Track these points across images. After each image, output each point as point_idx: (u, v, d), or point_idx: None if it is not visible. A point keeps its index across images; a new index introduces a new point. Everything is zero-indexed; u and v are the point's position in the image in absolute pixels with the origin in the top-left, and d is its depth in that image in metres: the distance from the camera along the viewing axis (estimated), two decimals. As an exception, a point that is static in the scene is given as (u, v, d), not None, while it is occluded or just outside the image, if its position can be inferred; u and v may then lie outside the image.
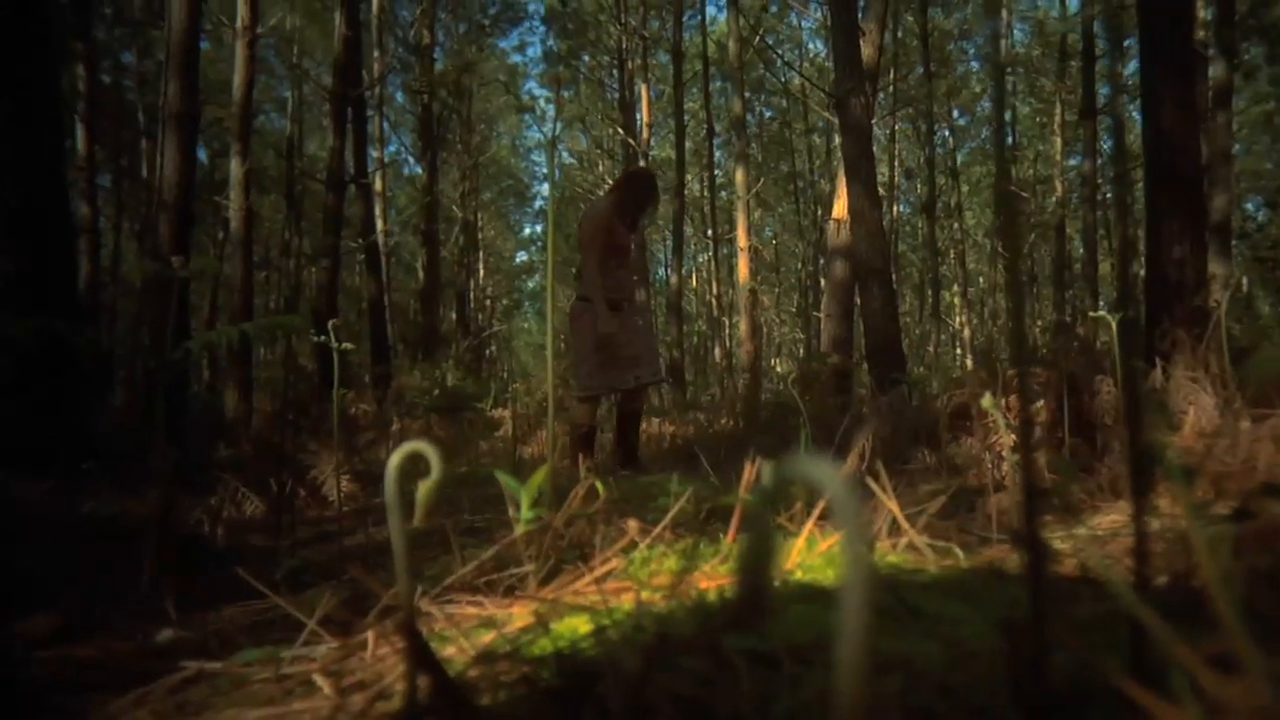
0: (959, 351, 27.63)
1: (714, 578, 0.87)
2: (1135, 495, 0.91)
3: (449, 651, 0.67)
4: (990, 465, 4.06)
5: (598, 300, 5.07)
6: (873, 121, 8.91)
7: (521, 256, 39.10)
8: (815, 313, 20.70)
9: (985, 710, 0.48)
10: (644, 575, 0.91)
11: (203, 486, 4.50)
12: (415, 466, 0.74)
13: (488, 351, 26.26)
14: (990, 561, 0.99)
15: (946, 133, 24.88)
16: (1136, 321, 4.98)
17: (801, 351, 26.09)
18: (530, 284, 39.45)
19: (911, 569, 0.89)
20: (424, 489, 0.59)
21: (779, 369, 27.51)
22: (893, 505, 1.07)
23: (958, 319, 28.14)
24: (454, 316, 22.48)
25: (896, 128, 21.56)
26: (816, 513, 0.98)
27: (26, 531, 2.44)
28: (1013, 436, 4.28)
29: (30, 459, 4.03)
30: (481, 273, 28.39)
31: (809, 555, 0.93)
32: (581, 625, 0.70)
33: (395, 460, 0.56)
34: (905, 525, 1.03)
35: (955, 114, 25.13)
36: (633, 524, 0.95)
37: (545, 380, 9.94)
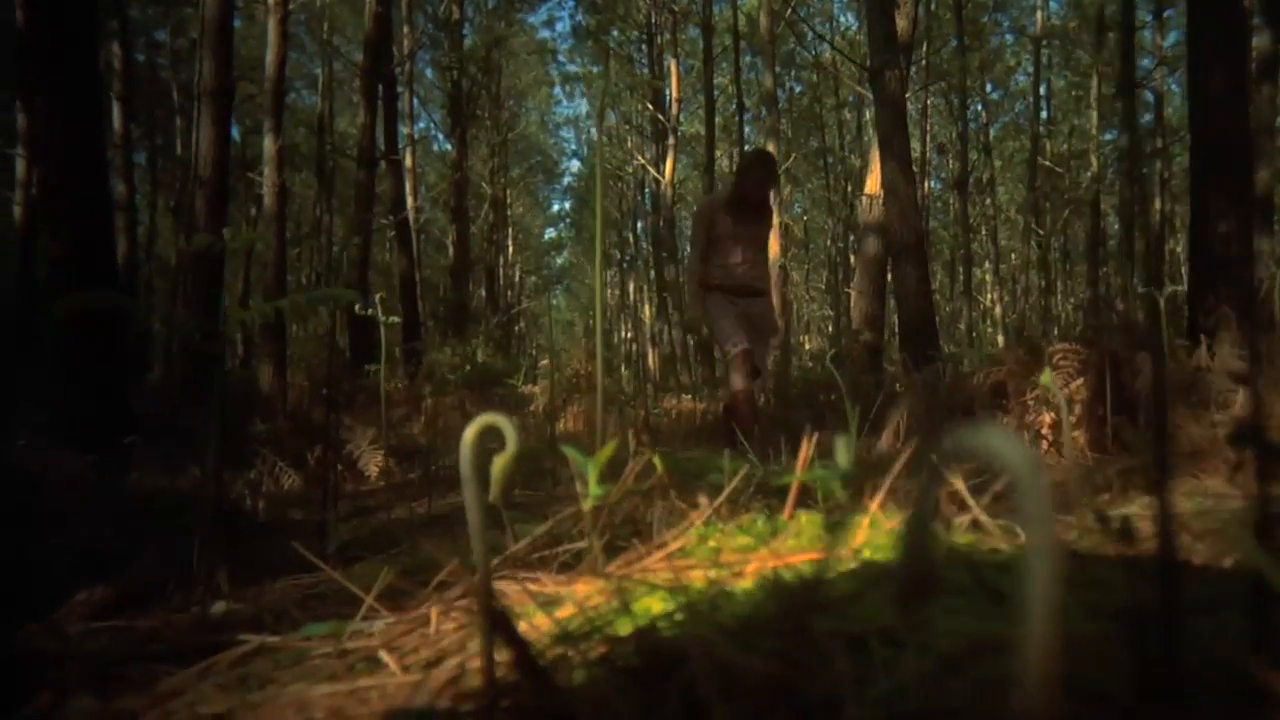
0: (990, 328, 27.32)
1: (780, 555, 0.85)
2: (1158, 483, 0.88)
3: (520, 628, 0.66)
4: (1029, 443, 4.00)
5: (693, 290, 5.08)
6: (906, 96, 8.78)
7: (550, 233, 39.12)
8: (845, 289, 20.55)
9: (1109, 699, 0.46)
10: (708, 553, 0.90)
11: (241, 461, 4.56)
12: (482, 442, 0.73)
13: (517, 328, 26.34)
14: (1064, 542, 0.97)
15: (979, 107, 24.50)
16: (1168, 298, 4.89)
17: (830, 328, 25.91)
18: (559, 260, 39.48)
19: (985, 550, 0.87)
20: (499, 464, 0.58)
21: (808, 346, 27.36)
22: (958, 483, 1.05)
23: (989, 296, 27.83)
24: (483, 293, 22.54)
25: (929, 102, 21.25)
26: (883, 491, 0.97)
27: (76, 506, 2.48)
28: (1051, 415, 4.22)
29: (75, 433, 4.09)
30: (510, 249, 28.44)
31: (875, 534, 0.91)
32: (655, 604, 0.69)
33: (471, 431, 0.55)
34: (971, 502, 1.01)
35: (989, 88, 24.73)
36: (702, 499, 0.94)
37: (576, 357, 9.89)
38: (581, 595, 0.74)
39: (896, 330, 10.53)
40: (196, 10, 9.88)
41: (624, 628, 0.61)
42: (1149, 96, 19.90)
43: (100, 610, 1.26)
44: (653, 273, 22.56)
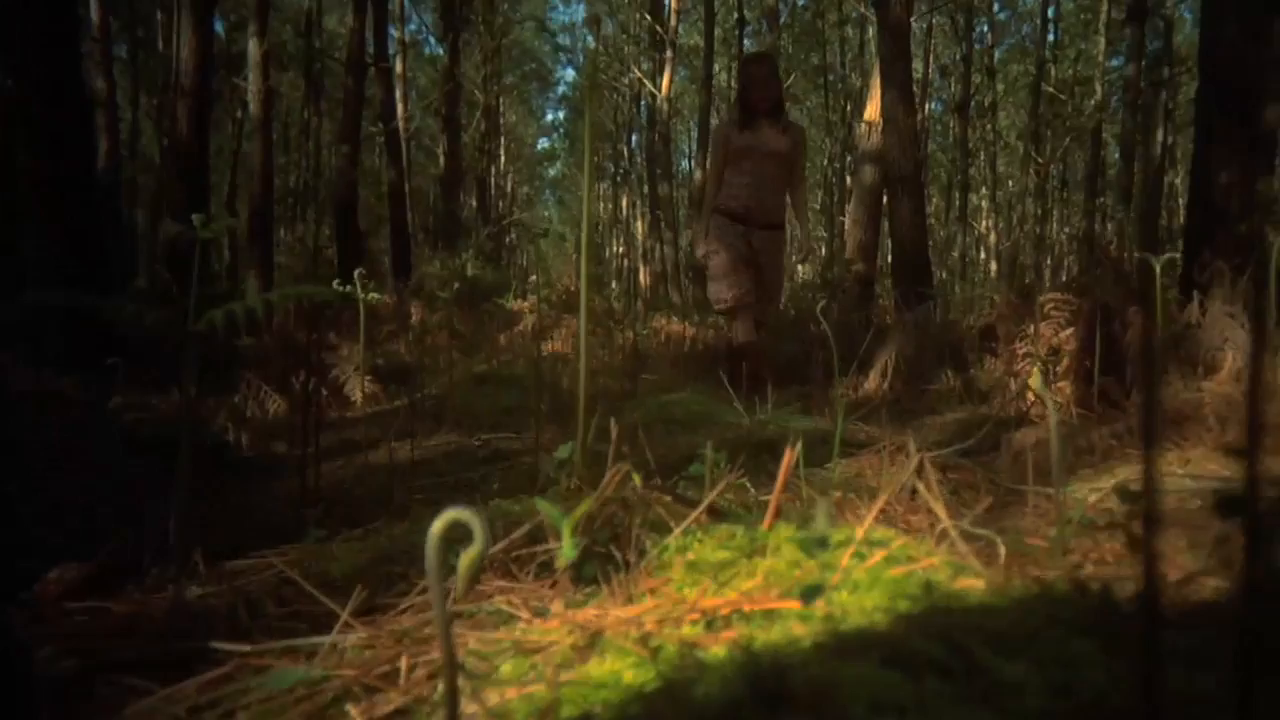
0: (983, 256, 27.23)
1: (756, 598, 0.85)
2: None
3: (479, 713, 0.65)
4: (1015, 395, 4.02)
5: (704, 214, 4.82)
6: (911, 19, 8.54)
7: (543, 143, 38.44)
8: (840, 217, 20.37)
9: None
10: (686, 580, 0.88)
11: (225, 384, 4.53)
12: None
13: (508, 239, 26.10)
14: (1039, 580, 0.96)
15: (985, 27, 23.91)
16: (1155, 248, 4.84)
17: (823, 252, 25.78)
18: (552, 171, 38.91)
19: (960, 592, 0.86)
20: (465, 561, 0.56)
21: (802, 271, 27.23)
22: (940, 509, 1.03)
23: (984, 223, 27.65)
24: (474, 204, 22.26)
25: (935, 21, 20.73)
26: (872, 515, 0.95)
27: (57, 436, 2.46)
28: (1039, 369, 4.22)
29: (55, 354, 4.06)
30: (503, 159, 27.97)
31: (856, 567, 0.90)
32: (626, 672, 0.68)
33: (436, 529, 0.52)
34: (950, 527, 1.00)
35: (995, 7, 24.10)
36: (677, 532, 0.92)
37: (566, 274, 9.82)
38: (554, 651, 0.73)
39: (890, 260, 10.48)
40: (178, -100, 9.43)
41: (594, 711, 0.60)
42: (1159, 23, 19.44)
43: (73, 589, 1.25)
44: (646, 188, 22.27)
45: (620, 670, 0.67)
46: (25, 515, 1.62)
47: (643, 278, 24.57)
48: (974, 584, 0.92)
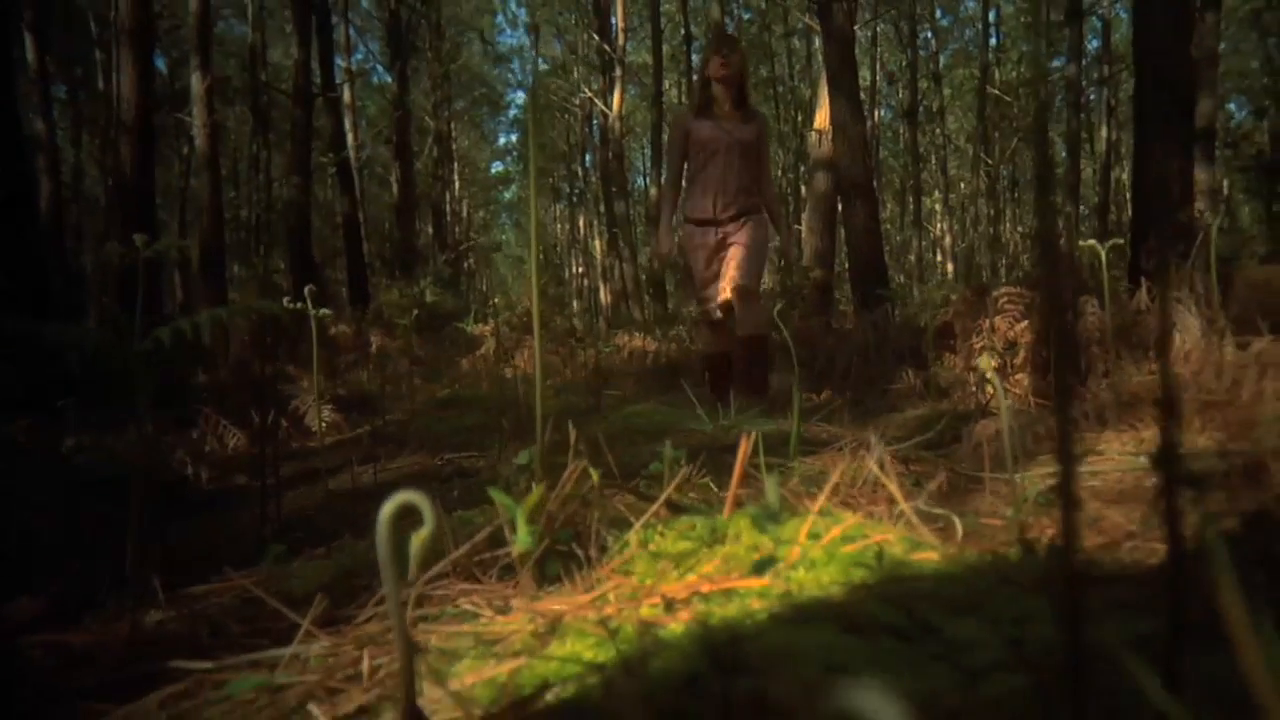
0: (939, 258, 27.62)
1: (715, 579, 0.85)
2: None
3: (440, 698, 0.65)
4: (974, 389, 4.08)
5: (662, 217, 4.42)
6: (855, 28, 8.68)
7: (497, 167, 38.41)
8: (796, 225, 20.56)
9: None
10: (647, 570, 0.89)
11: (183, 419, 4.46)
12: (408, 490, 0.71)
13: (466, 265, 26.01)
14: (992, 550, 0.98)
15: (929, 34, 24.36)
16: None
17: (781, 261, 25.99)
18: (507, 194, 38.85)
19: (915, 563, 0.88)
20: (417, 541, 0.56)
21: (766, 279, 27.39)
22: (894, 488, 1.05)
23: (939, 225, 28.06)
24: (430, 230, 22.16)
25: (879, 29, 21.07)
26: (826, 492, 0.96)
27: (8, 483, 2.41)
28: (997, 360, 4.29)
29: (6, 397, 3.97)
30: (457, 184, 27.89)
31: (812, 547, 0.91)
32: (586, 651, 0.68)
33: (387, 512, 0.53)
34: (906, 508, 1.01)
35: (938, 14, 24.57)
36: (638, 525, 0.93)
37: (526, 295, 9.80)
38: (514, 640, 0.73)
39: (846, 265, 10.59)
40: (114, -62, 9.34)
41: (550, 697, 0.60)
42: (1096, 23, 19.94)
43: (30, 623, 1.23)
44: (603, 207, 22.33)
45: (579, 650, 0.67)
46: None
47: (603, 296, 24.60)
48: (929, 556, 0.93)
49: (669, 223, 4.41)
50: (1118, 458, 2.17)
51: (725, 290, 4.17)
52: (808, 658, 0.63)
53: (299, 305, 1.76)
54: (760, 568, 0.77)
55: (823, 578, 0.84)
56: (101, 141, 17.81)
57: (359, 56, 21.44)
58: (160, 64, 18.06)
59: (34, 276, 4.64)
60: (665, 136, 19.78)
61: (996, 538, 1.13)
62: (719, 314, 4.28)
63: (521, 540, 0.86)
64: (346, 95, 15.51)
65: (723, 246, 4.29)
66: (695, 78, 4.64)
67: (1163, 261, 3.86)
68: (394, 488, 1.91)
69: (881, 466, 1.15)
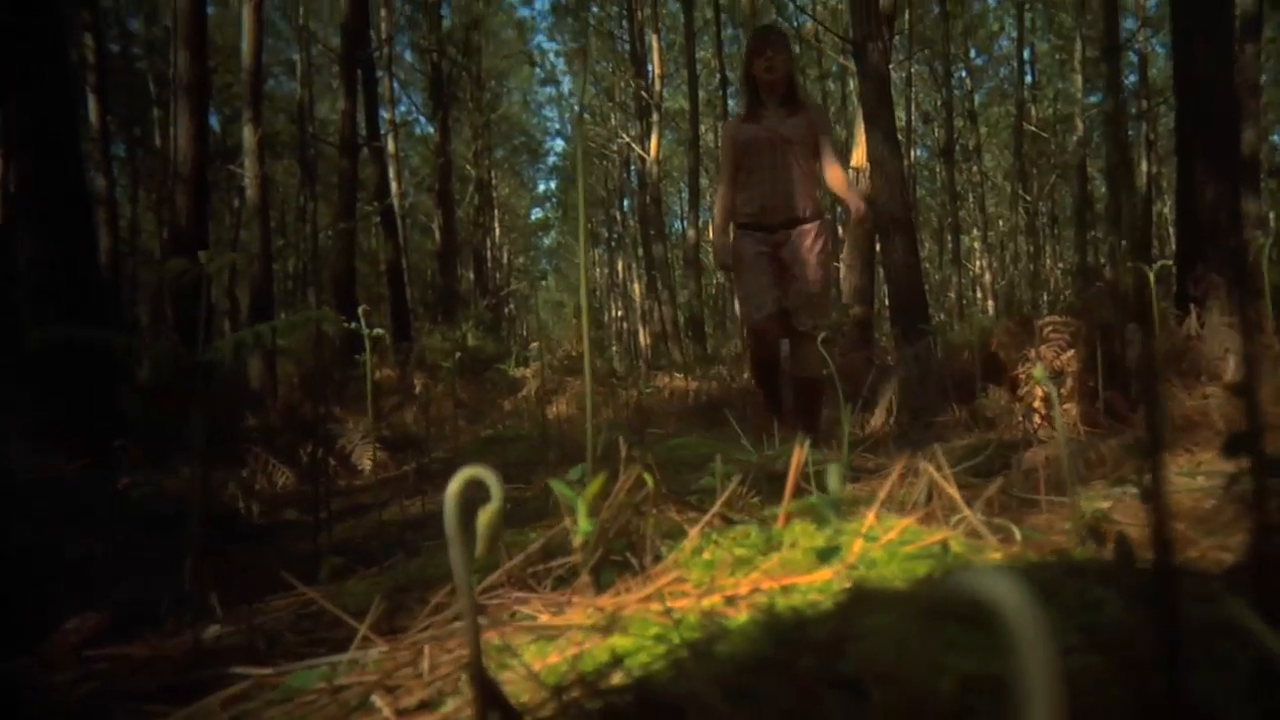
0: (979, 296, 27.35)
1: (775, 576, 0.84)
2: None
3: (510, 677, 0.65)
4: (1022, 418, 4.01)
5: (716, 229, 4.22)
6: (890, 67, 8.73)
7: (536, 213, 38.92)
8: (834, 263, 20.52)
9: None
10: (703, 570, 0.89)
11: (233, 459, 4.53)
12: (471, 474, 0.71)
13: (506, 310, 26.27)
14: (1056, 549, 0.96)
15: (964, 74, 24.40)
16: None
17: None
18: (546, 241, 39.30)
19: (978, 560, 0.86)
20: (485, 517, 0.57)
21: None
22: (953, 490, 1.04)
23: (978, 263, 27.84)
24: (472, 276, 22.44)
25: (913, 70, 21.15)
26: (882, 495, 0.96)
27: (67, 515, 2.46)
28: (1042, 390, 4.22)
29: (62, 438, 4.06)
30: (497, 231, 28.29)
31: (871, 547, 0.90)
32: (649, 639, 0.68)
33: (454, 487, 0.53)
34: (966, 510, 1.00)
35: (973, 53, 24.62)
36: (693, 534, 0.92)
37: (567, 339, 9.86)
38: (575, 633, 0.73)
39: (886, 302, 10.54)
40: None
41: (619, 676, 0.60)
42: (1133, 58, 19.85)
43: (91, 638, 1.25)
44: (641, 250, 22.49)
45: (643, 639, 0.67)
46: (40, 574, 1.62)
47: (642, 338, 24.67)
48: (991, 556, 0.92)
49: (723, 233, 4.17)
50: (1175, 479, 2.12)
51: (781, 305, 3.97)
52: (876, 641, 0.63)
53: (353, 325, 1.79)
54: (825, 557, 0.77)
55: (885, 573, 0.83)
56: (158, 196, 18.38)
57: (403, 108, 21.98)
58: (213, 121, 18.62)
59: (93, 325, 4.76)
60: (704, 180, 19.91)
61: (1057, 544, 1.10)
62: (767, 322, 4.00)
63: (583, 529, 0.86)
64: (391, 145, 15.88)
65: (774, 257, 4.03)
66: (740, 76, 4.32)
67: (1212, 285, 3.79)
68: (441, 519, 1.91)
69: (939, 469, 1.14)
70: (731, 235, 4.23)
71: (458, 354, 10.89)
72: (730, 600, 0.77)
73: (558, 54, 26.23)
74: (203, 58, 6.80)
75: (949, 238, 23.00)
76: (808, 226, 4.03)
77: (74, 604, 1.46)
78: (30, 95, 4.42)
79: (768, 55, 3.96)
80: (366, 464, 4.98)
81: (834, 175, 4.08)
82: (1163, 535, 0.48)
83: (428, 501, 2.99)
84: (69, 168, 4.64)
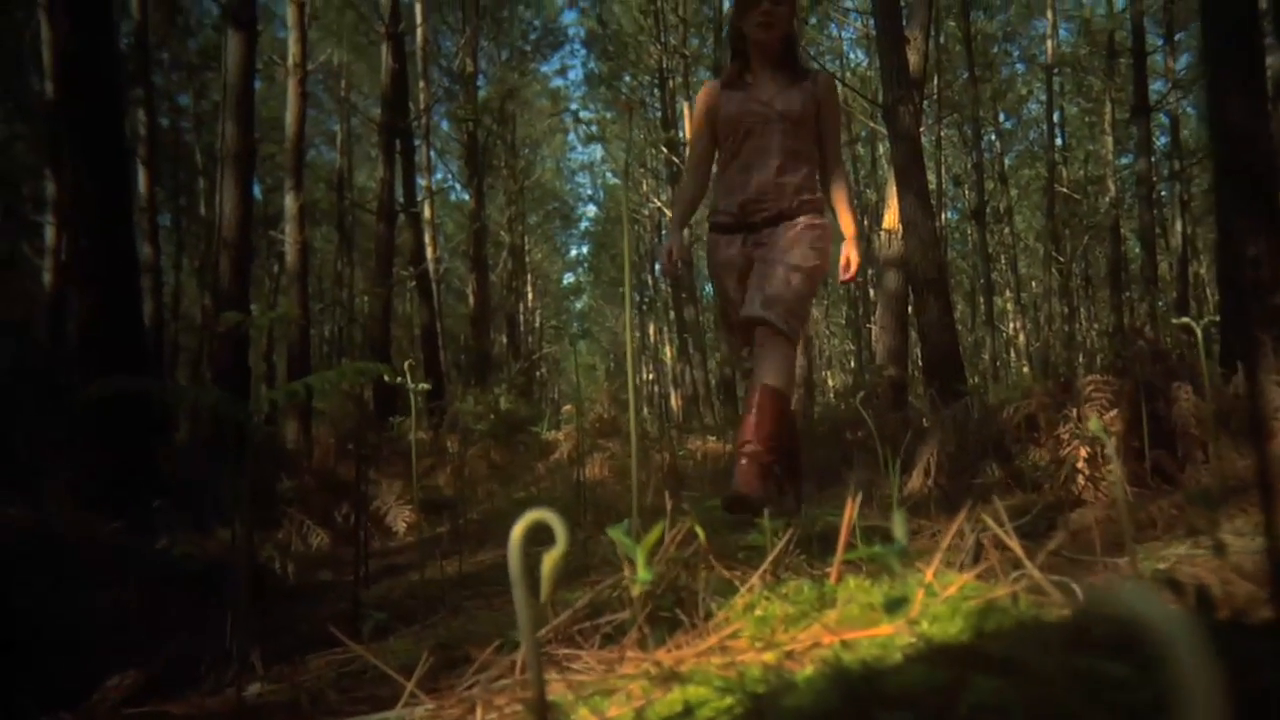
0: (1013, 357, 27.10)
1: (835, 630, 0.82)
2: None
3: (573, 726, 0.63)
4: (1065, 479, 3.93)
5: (674, 219, 3.30)
6: (920, 130, 8.80)
7: (568, 278, 39.35)
8: (867, 325, 20.47)
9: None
10: (757, 626, 0.86)
11: (269, 520, 4.55)
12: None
13: (539, 374, 26.40)
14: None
15: (993, 136, 24.54)
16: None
17: (853, 363, 25.81)
18: (578, 305, 39.66)
19: (1047, 615, 0.83)
20: (549, 561, 0.56)
21: (831, 382, 27.28)
22: (1014, 545, 1.01)
23: (1012, 325, 27.63)
24: (505, 340, 22.63)
25: (942, 134, 21.31)
26: (940, 553, 0.93)
27: (107, 574, 2.47)
28: (1087, 449, 4.14)
29: (103, 496, 4.11)
30: (530, 295, 28.60)
31: (932, 603, 0.87)
32: (711, 693, 0.65)
33: (519, 532, 0.52)
34: (1029, 565, 0.97)
35: (1001, 117, 24.78)
36: (745, 589, 0.90)
37: (599, 401, 9.85)
38: (634, 686, 0.71)
39: (920, 364, 10.47)
40: (219, 74, 10.09)
41: (683, 730, 0.58)
42: (1164, 119, 19.87)
43: (132, 696, 1.24)
44: (672, 314, 22.60)
45: (706, 693, 0.65)
46: (81, 633, 1.62)
47: (674, 401, 24.62)
48: (1059, 612, 0.89)
49: (679, 231, 3.24)
50: (1233, 539, 2.06)
51: (747, 309, 3.03)
52: (952, 694, 0.60)
53: (399, 380, 1.80)
54: (888, 610, 0.74)
55: (950, 629, 0.80)
56: (201, 263, 18.83)
57: (439, 175, 22.46)
58: (256, 189, 19.16)
59: (138, 402, 4.85)
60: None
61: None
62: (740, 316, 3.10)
63: (641, 577, 0.85)
64: (427, 212, 16.19)
65: (752, 266, 3.14)
66: (728, 33, 3.28)
67: (1258, 343, 3.72)
68: (478, 577, 1.91)
69: (999, 524, 1.11)
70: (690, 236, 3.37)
71: (491, 417, 10.92)
72: (790, 655, 0.74)
73: (591, 122, 26.78)
74: (249, 129, 7.02)
75: (982, 299, 22.89)
76: (801, 220, 3.11)
77: (115, 662, 1.45)
78: (87, 170, 4.58)
79: (764, 6, 3.04)
80: (402, 526, 4.98)
81: (836, 184, 3.25)
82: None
83: (464, 562, 2.97)
84: (120, 238, 4.78)
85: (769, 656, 0.71)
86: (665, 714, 0.61)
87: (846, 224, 3.26)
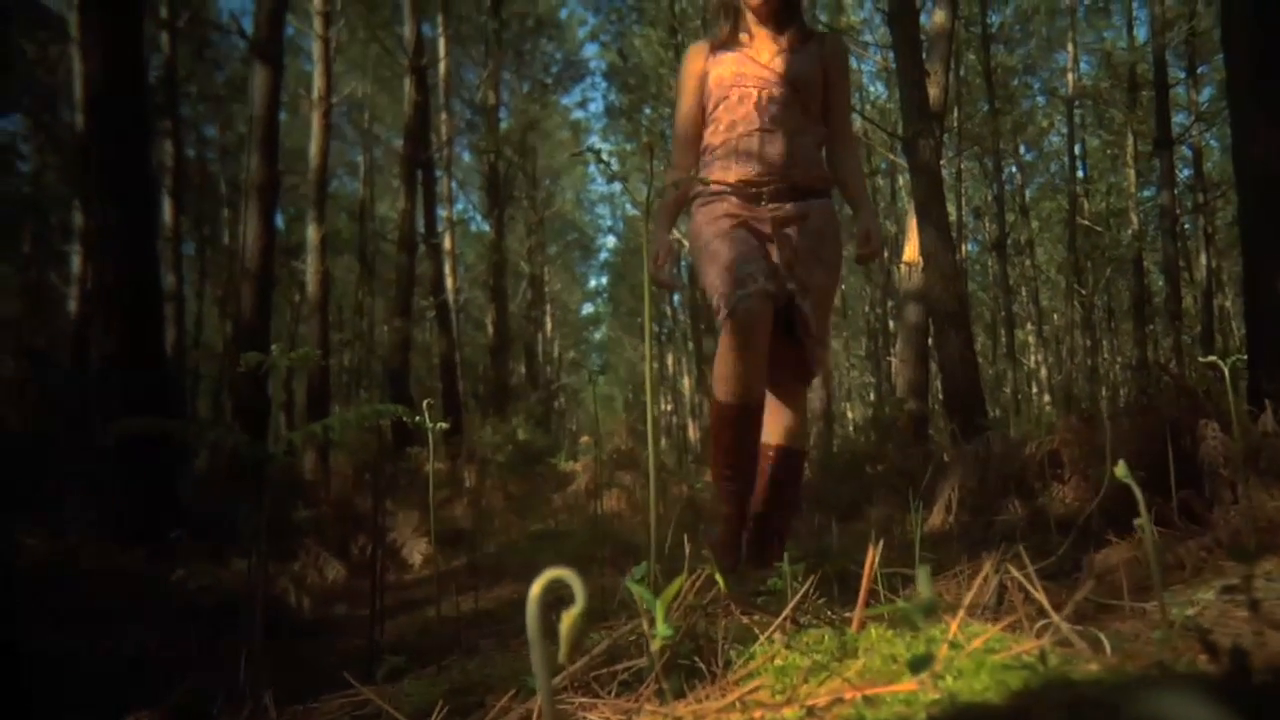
0: (1035, 391, 26.89)
1: (856, 685, 0.80)
2: None
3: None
4: (1091, 517, 3.87)
5: (662, 214, 2.75)
6: (940, 162, 8.81)
7: (587, 308, 39.51)
8: (887, 357, 20.39)
9: None
10: (780, 683, 0.84)
11: (285, 551, 4.55)
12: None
13: (557, 404, 26.42)
14: (1154, 661, 0.90)
15: (1014, 169, 24.52)
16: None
17: (872, 396, 25.67)
18: (597, 335, 39.76)
19: (1076, 671, 0.81)
20: (568, 621, 0.55)
21: (851, 415, 27.13)
22: (1040, 596, 0.99)
23: (1033, 358, 27.44)
24: (523, 370, 22.69)
25: (963, 166, 21.31)
26: (963, 609, 0.91)
27: (124, 607, 2.47)
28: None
29: (123, 526, 4.12)
30: (549, 325, 28.70)
31: (956, 655, 0.85)
32: (729, 756, 0.64)
33: (536, 590, 0.51)
34: (1055, 616, 0.95)
35: (1022, 149, 24.78)
36: (764, 639, 0.89)
37: (617, 433, 9.84)
38: (649, 742, 0.69)
39: (941, 397, 10.40)
40: (244, 106, 10.26)
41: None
42: (1187, 152, 19.80)
43: (146, 737, 1.23)
44: (691, 344, 22.60)
45: (723, 755, 0.63)
46: (98, 669, 1.61)
47: (691, 433, 24.56)
48: (1088, 668, 0.86)
49: (670, 220, 2.79)
50: (1264, 585, 2.01)
51: (782, 284, 2.56)
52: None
53: (418, 421, 1.80)
54: (915, 667, 0.72)
55: (975, 685, 0.78)
56: (223, 292, 19.03)
57: (460, 206, 22.68)
58: (279, 219, 19.40)
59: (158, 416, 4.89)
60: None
61: (1152, 654, 1.04)
62: (761, 302, 2.48)
63: (661, 633, 0.83)
64: (447, 242, 16.33)
65: (762, 233, 2.63)
66: None
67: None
68: (495, 613, 1.90)
69: (1023, 572, 1.09)
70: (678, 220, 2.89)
71: (509, 447, 10.91)
72: (811, 711, 0.73)
73: (610, 153, 26.95)
74: (273, 160, 7.11)
75: (1003, 332, 22.76)
76: (820, 203, 2.67)
77: (130, 699, 1.44)
78: (114, 201, 4.66)
79: None
80: (418, 558, 4.96)
81: (846, 157, 2.79)
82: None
83: (480, 598, 2.95)
84: (144, 267, 4.84)
85: (789, 713, 0.69)
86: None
87: (859, 197, 2.77)
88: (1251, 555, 2.21)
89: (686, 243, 2.58)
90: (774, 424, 2.66)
